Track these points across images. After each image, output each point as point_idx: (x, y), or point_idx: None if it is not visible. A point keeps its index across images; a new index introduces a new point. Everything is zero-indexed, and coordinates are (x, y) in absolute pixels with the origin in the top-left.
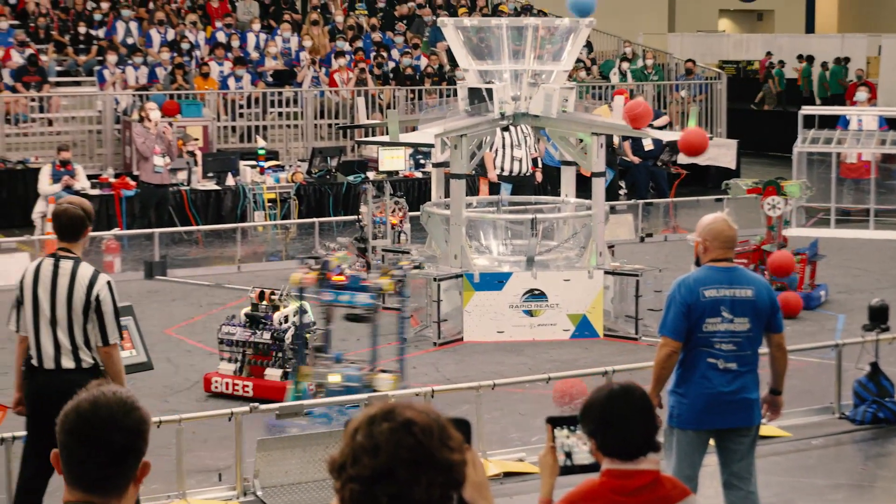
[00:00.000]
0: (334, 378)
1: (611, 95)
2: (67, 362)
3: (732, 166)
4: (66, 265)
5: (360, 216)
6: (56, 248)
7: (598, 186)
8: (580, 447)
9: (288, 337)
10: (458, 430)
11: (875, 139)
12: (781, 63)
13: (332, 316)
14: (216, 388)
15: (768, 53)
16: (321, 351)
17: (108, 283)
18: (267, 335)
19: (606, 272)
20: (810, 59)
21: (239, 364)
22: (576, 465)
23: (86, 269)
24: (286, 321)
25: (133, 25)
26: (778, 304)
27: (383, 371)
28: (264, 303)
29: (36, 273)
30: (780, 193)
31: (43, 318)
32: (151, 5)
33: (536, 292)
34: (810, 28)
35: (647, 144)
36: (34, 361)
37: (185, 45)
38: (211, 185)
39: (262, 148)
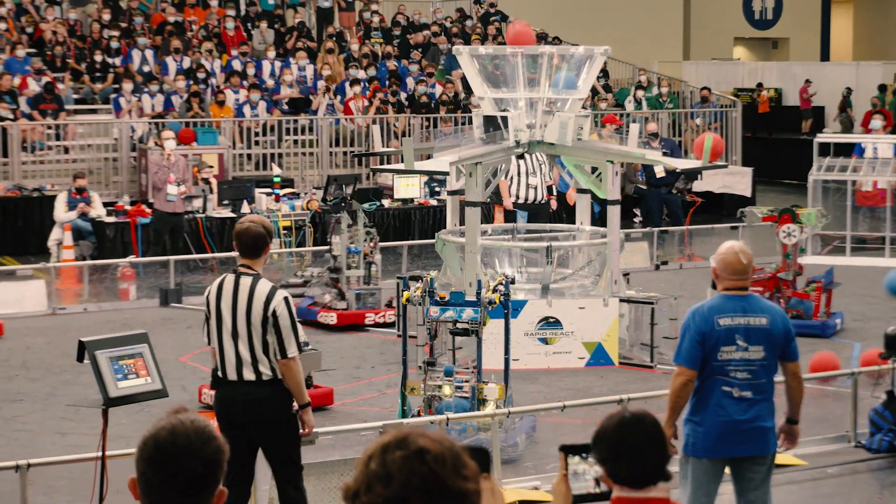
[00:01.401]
0: (447, 391)
1: (601, 122)
2: (248, 374)
3: (748, 194)
4: (245, 281)
5: (331, 246)
6: (238, 265)
7: (613, 214)
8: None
9: None
10: (476, 458)
11: (890, 167)
12: (849, 90)
13: (437, 331)
14: None
15: (807, 81)
16: (432, 365)
17: (286, 298)
18: None
19: (622, 300)
20: (882, 87)
21: None
22: (591, 493)
23: (264, 286)
24: None
25: (149, 53)
26: (793, 333)
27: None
28: None
29: (219, 289)
30: (795, 221)
31: (225, 331)
32: (167, 33)
33: (551, 320)
34: (825, 56)
35: (659, 172)
36: (219, 373)
37: (200, 74)
38: (226, 213)
39: (277, 175)
